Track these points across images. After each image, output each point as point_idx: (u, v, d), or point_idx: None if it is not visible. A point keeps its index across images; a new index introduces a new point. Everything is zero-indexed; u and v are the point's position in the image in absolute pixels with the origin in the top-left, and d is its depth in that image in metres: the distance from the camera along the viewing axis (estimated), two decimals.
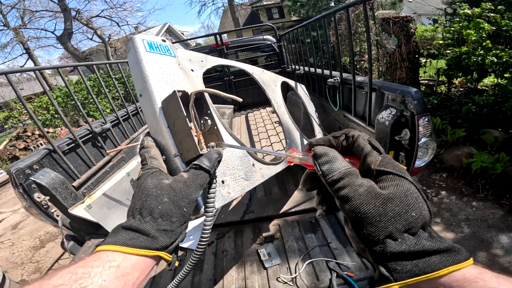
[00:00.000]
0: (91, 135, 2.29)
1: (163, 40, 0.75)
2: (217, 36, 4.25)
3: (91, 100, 9.81)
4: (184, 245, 1.58)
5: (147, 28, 18.72)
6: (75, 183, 1.95)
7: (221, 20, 24.78)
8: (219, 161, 0.52)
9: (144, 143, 0.56)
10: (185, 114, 0.54)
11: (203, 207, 0.54)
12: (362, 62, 6.45)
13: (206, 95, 0.59)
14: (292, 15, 16.27)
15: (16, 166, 1.64)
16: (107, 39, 15.33)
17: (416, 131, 1.35)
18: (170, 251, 0.43)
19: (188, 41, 20.54)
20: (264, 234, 1.58)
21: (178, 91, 0.55)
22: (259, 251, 1.47)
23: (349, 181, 0.35)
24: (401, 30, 5.78)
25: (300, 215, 1.68)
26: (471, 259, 0.33)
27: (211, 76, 4.57)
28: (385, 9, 8.45)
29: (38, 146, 8.37)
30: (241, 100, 0.57)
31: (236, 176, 0.72)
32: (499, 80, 4.46)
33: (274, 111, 3.98)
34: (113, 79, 3.01)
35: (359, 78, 1.93)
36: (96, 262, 0.36)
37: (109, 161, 2.30)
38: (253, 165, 0.89)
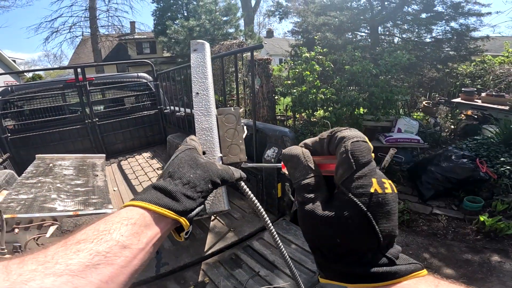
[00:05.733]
0: None
1: None
2: (79, 69, 3.46)
3: None
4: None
5: None
6: None
7: (76, 49, 21.39)
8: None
9: (187, 139, 0.59)
10: (242, 127, 0.70)
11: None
12: (231, 102, 7.19)
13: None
14: (165, 51, 16.18)
15: None
16: None
17: None
18: (189, 218, 0.45)
19: (24, 73, 15.70)
20: (192, 282, 1.50)
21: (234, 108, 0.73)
22: None
23: (301, 195, 0.35)
24: (263, 71, 6.92)
25: (219, 255, 1.71)
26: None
27: (66, 118, 3.61)
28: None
29: None
30: None
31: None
32: (325, 114, 5.77)
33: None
34: None
35: (242, 121, 2.24)
36: (116, 219, 0.39)
37: None
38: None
